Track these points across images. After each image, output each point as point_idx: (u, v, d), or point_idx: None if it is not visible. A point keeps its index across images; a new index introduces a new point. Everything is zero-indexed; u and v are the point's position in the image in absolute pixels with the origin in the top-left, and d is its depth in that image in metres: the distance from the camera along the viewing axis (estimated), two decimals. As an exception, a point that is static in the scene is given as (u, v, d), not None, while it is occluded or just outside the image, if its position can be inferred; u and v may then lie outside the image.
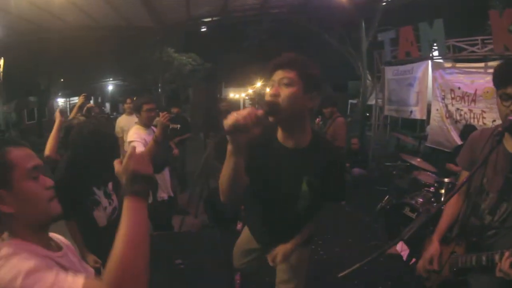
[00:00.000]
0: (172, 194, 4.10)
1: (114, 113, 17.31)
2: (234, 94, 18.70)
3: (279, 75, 1.67)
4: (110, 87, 19.06)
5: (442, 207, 2.20)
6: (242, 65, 16.05)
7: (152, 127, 3.79)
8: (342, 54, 9.70)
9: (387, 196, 5.04)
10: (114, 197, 2.61)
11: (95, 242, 2.42)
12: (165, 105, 8.77)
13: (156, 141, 3.10)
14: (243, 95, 18.67)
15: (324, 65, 16.12)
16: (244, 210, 2.43)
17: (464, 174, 2.09)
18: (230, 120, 1.40)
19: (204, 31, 10.64)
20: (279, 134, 1.85)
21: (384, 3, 8.27)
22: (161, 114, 3.18)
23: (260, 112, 1.47)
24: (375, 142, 9.03)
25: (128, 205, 1.00)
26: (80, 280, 0.92)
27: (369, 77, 9.20)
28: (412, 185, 5.26)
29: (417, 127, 7.66)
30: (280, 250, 1.96)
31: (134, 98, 5.56)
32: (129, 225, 0.97)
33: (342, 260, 4.11)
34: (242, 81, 17.29)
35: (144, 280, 0.93)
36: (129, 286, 0.91)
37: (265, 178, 1.86)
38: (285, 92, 1.63)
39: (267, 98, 1.67)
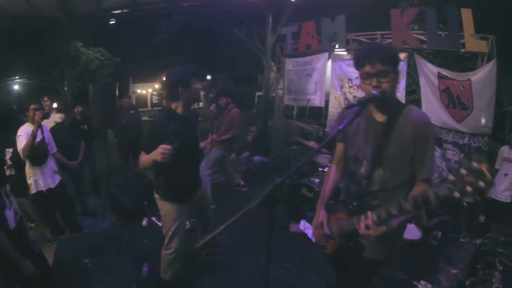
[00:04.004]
0: (52, 186, 4.15)
1: (21, 116, 15.74)
2: (141, 90, 18.29)
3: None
4: (16, 87, 17.43)
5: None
6: (151, 60, 15.79)
7: (43, 124, 4.13)
8: (251, 48, 10.06)
9: (288, 180, 5.31)
10: (12, 198, 2.63)
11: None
12: (71, 104, 8.41)
13: (33, 135, 3.80)
14: (149, 90, 18.33)
15: (234, 59, 16.50)
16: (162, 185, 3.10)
17: (339, 146, 2.31)
18: (158, 157, 2.52)
19: (114, 24, 10.35)
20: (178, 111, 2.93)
21: (293, 0, 8.69)
22: (37, 113, 3.86)
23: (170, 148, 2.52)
24: (277, 131, 9.46)
25: None
26: None
27: (275, 70, 9.62)
28: (311, 168, 5.61)
29: (322, 116, 8.20)
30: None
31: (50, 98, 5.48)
32: None
33: (249, 244, 4.30)
34: (150, 77, 16.97)
35: None
36: None
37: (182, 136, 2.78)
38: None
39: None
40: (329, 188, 2.33)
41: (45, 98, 5.48)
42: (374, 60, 1.82)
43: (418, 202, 1.58)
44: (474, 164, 1.34)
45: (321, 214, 2.23)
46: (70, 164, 4.73)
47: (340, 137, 2.24)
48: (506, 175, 5.03)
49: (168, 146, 2.48)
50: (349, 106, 1.82)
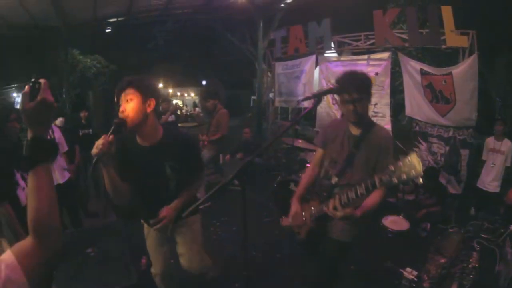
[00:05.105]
0: (61, 182, 4.34)
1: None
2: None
3: (124, 95, 2.18)
4: (15, 94, 17.62)
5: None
6: (147, 67, 15.94)
7: (53, 125, 4.45)
8: (245, 53, 10.30)
9: (279, 178, 5.55)
10: None
11: (19, 221, 2.80)
12: (70, 111, 8.61)
13: None
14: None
15: (229, 64, 16.70)
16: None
17: (319, 151, 2.74)
18: (93, 150, 1.94)
19: (110, 32, 10.54)
20: (137, 137, 2.34)
21: (283, 5, 8.94)
22: None
23: (111, 137, 1.99)
24: (270, 133, 9.69)
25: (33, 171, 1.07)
26: (7, 252, 1.02)
27: (270, 74, 9.87)
28: (300, 165, 5.84)
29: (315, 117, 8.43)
30: (164, 210, 2.40)
31: None
32: (36, 182, 1.07)
33: (238, 237, 4.51)
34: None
35: (57, 227, 1.10)
36: (46, 232, 1.06)
37: (137, 174, 2.32)
38: (129, 107, 2.15)
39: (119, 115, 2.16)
40: (304, 184, 2.77)
41: None
42: (351, 90, 2.30)
43: (368, 185, 2.01)
44: (409, 158, 1.75)
45: (293, 206, 2.66)
46: (70, 168, 4.94)
47: (321, 144, 2.70)
48: (493, 165, 5.25)
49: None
50: (306, 99, 2.19)
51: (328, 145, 2.63)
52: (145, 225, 2.73)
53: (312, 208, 2.58)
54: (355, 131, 2.49)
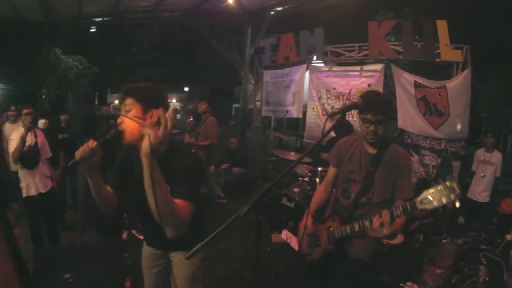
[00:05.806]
0: (42, 191, 4.08)
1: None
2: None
3: (123, 105, 1.84)
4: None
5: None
6: (130, 70, 15.59)
7: (35, 129, 4.20)
8: (229, 61, 10.14)
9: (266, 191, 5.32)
10: None
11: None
12: (50, 112, 8.23)
13: (22, 140, 3.81)
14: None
15: (212, 71, 16.60)
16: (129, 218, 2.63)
17: (331, 170, 2.69)
18: (76, 154, 1.70)
19: (94, 32, 10.24)
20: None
21: (272, 12, 8.83)
22: (26, 117, 3.96)
23: (95, 143, 1.71)
24: (255, 142, 9.46)
25: None
26: None
27: (253, 82, 9.70)
28: (290, 178, 5.66)
29: (299, 127, 8.31)
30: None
31: (18, 106, 5.29)
32: None
33: (228, 255, 4.30)
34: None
35: None
36: None
37: (131, 187, 1.98)
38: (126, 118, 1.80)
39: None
40: (316, 202, 2.72)
41: (12, 107, 5.31)
42: (376, 111, 2.24)
43: (406, 207, 1.97)
44: (448, 182, 1.82)
45: (309, 220, 2.61)
46: (52, 175, 4.61)
47: (335, 163, 2.64)
48: (483, 176, 5.34)
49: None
50: (333, 114, 2.01)
51: (343, 164, 2.58)
52: (144, 244, 2.35)
53: (331, 228, 2.51)
54: (371, 150, 2.45)
